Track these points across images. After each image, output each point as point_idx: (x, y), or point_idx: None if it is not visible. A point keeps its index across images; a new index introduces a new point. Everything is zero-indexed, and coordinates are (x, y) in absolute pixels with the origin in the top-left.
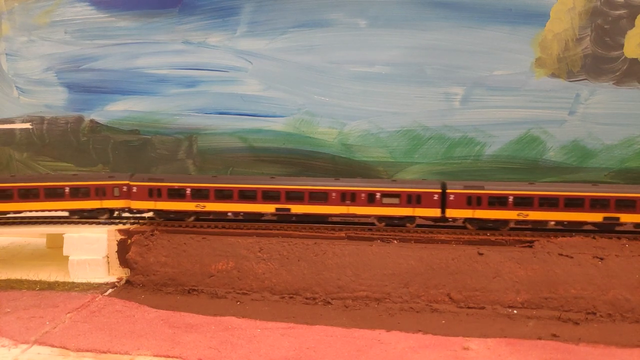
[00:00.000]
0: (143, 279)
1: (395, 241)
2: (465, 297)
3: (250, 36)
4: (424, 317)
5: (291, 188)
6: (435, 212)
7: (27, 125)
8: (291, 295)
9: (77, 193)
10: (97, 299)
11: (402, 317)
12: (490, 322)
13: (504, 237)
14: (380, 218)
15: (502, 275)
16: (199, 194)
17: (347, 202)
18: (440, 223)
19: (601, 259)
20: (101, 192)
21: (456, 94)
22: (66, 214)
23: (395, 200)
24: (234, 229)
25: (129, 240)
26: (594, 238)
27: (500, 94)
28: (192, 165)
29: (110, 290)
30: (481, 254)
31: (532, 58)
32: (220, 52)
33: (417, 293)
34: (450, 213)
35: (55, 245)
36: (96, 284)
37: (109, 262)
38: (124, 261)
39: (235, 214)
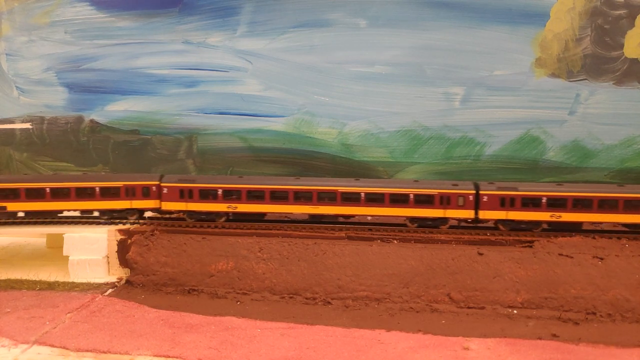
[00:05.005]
0: (143, 279)
1: (395, 241)
2: (465, 297)
3: (250, 36)
4: (424, 317)
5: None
6: (156, 204)
7: (27, 125)
8: (291, 295)
9: None
10: (97, 299)
11: (402, 317)
12: (490, 322)
13: (504, 237)
14: (101, 212)
15: (502, 275)
16: None
17: (70, 197)
18: (166, 215)
19: (601, 259)
20: None
21: (456, 94)
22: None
23: (114, 194)
24: (234, 229)
25: (129, 240)
26: (594, 238)
27: (500, 94)
28: (192, 165)
29: (110, 290)
30: (481, 254)
31: (532, 58)
32: (220, 52)
33: (417, 293)
34: (166, 206)
35: (55, 245)
36: (96, 284)
37: (109, 262)
38: (124, 261)
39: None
